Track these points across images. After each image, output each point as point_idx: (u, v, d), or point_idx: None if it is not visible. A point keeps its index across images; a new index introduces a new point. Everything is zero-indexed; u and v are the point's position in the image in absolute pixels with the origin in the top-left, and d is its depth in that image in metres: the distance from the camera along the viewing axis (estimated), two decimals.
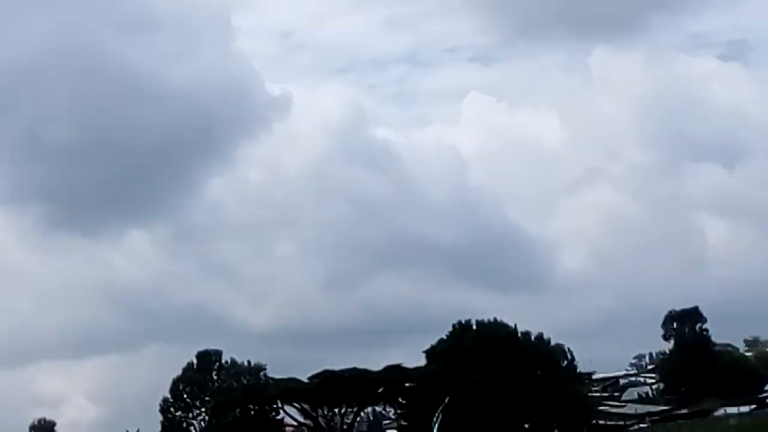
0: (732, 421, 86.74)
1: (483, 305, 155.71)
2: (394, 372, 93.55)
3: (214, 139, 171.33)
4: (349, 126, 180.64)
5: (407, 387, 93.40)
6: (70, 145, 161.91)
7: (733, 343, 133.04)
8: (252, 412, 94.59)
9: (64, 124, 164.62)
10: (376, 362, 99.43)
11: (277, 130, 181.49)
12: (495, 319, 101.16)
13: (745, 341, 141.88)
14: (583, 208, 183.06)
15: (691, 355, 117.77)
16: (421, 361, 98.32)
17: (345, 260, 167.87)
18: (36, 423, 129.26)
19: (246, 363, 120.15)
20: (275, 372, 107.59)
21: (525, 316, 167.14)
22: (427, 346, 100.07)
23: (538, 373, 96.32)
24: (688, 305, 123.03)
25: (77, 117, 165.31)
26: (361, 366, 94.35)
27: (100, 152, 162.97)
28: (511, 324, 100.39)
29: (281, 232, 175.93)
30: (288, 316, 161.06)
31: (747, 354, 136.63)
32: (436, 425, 22.95)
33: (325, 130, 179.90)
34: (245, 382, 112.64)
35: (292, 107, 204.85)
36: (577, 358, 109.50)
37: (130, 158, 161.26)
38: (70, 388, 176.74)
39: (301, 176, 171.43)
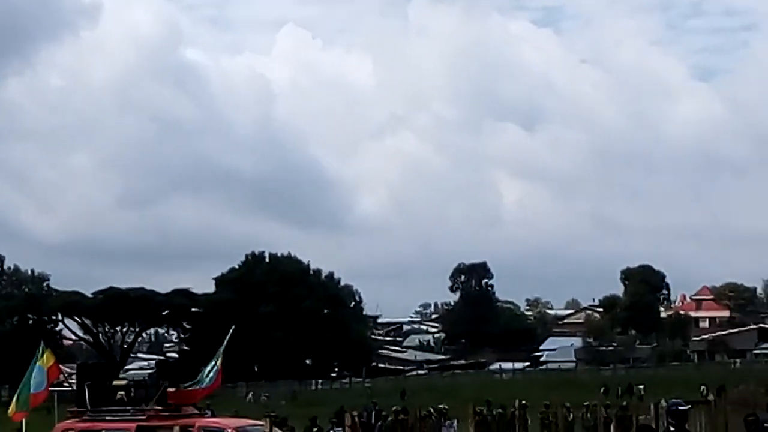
0: (505, 376, 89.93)
1: (279, 239, 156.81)
2: (182, 296, 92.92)
3: (14, 37, 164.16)
4: (161, 43, 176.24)
5: (193, 312, 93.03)
6: None
7: (515, 301, 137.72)
8: (30, 322, 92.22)
9: None
10: (164, 285, 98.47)
11: (84, 37, 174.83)
12: (289, 253, 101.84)
13: (527, 300, 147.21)
14: (386, 154, 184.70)
15: (474, 308, 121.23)
16: (211, 288, 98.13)
17: (143, 179, 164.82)
18: None
19: (29, 272, 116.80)
20: (59, 284, 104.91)
21: (319, 254, 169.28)
22: (218, 274, 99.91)
23: (325, 311, 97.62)
24: (478, 260, 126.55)
25: None
26: (148, 287, 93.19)
27: None
28: (305, 260, 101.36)
29: (78, 143, 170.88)
30: (77, 229, 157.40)
31: (527, 313, 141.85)
32: (220, 353, 22.74)
33: (135, 43, 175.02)
34: (27, 290, 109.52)
35: (102, 16, 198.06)
36: (364, 300, 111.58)
37: None
38: None
39: (105, 88, 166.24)
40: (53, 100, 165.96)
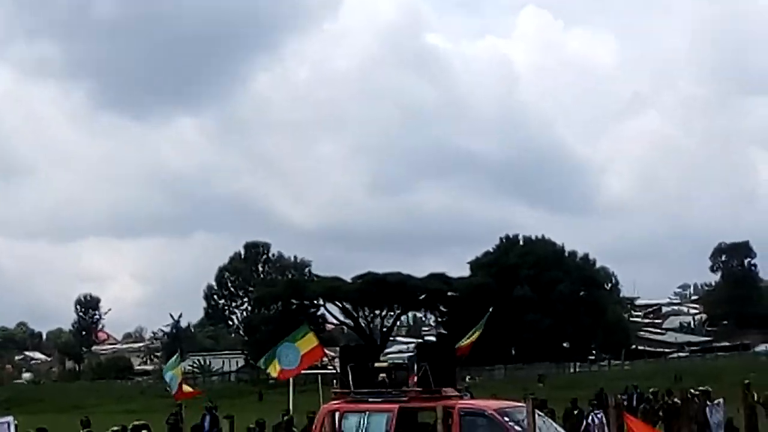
0: None
1: (526, 222, 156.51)
2: (438, 280, 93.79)
3: (262, 33, 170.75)
4: (402, 30, 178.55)
5: (449, 296, 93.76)
6: (117, 21, 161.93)
7: None
8: (293, 307, 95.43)
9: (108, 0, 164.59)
10: (417, 268, 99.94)
11: (327, 28, 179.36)
12: (543, 236, 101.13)
13: None
14: (633, 134, 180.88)
15: (736, 289, 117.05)
16: (464, 272, 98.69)
17: (390, 165, 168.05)
18: (81, 298, 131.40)
19: (292, 258, 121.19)
20: (319, 270, 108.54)
21: (569, 236, 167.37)
22: (471, 258, 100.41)
23: (581, 293, 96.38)
24: (738, 239, 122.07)
25: None
26: (404, 272, 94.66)
27: (147, 32, 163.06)
28: (559, 242, 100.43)
29: (326, 132, 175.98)
30: (331, 215, 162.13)
31: None
32: (476, 333, 23.09)
33: (376, 31, 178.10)
34: (290, 276, 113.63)
35: (343, 6, 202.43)
36: (621, 282, 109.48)
37: (178, 43, 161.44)
38: (115, 267, 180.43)
39: (349, 77, 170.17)
40: (301, 91, 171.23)
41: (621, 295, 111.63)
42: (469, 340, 24.78)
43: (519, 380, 73.07)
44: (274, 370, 26.08)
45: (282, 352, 25.19)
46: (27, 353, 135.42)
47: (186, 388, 29.11)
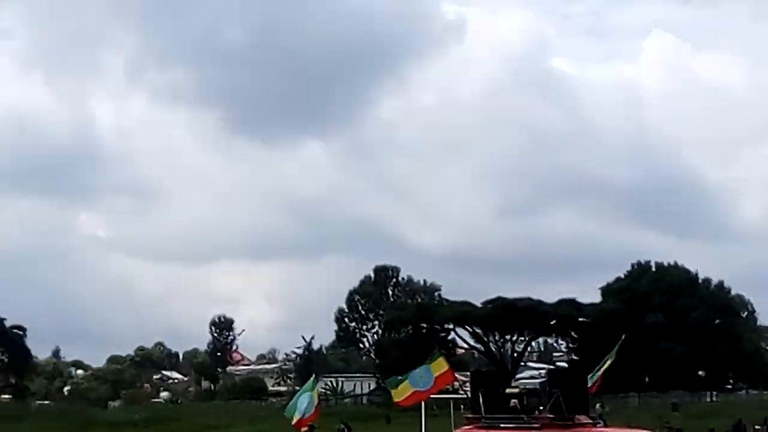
0: None
1: (656, 248, 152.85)
2: (568, 305, 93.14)
3: (388, 59, 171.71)
4: (527, 54, 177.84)
5: (580, 321, 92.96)
6: (245, 50, 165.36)
7: None
8: (424, 331, 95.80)
9: (237, 28, 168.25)
10: (546, 294, 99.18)
11: (451, 53, 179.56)
12: (675, 262, 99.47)
13: None
14: (766, 158, 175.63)
15: None
16: (594, 298, 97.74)
17: (516, 189, 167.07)
18: (216, 319, 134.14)
19: (422, 282, 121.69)
20: (447, 294, 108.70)
21: (702, 263, 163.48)
22: (601, 284, 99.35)
23: (716, 321, 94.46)
24: None
25: (250, 22, 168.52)
26: (533, 296, 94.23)
27: (275, 59, 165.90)
28: (692, 269, 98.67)
29: (452, 156, 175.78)
30: (459, 240, 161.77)
31: None
32: (608, 362, 22.89)
33: (501, 55, 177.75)
34: (419, 300, 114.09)
35: (467, 31, 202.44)
36: (757, 310, 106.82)
37: (305, 69, 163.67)
38: (248, 289, 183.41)
39: (475, 101, 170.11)
40: (426, 115, 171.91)
41: (758, 323, 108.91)
42: (600, 372, 24.63)
43: (653, 408, 72.00)
44: (398, 396, 26.28)
45: (416, 374, 25.49)
46: (164, 373, 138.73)
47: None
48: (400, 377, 26.31)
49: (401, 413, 66.87)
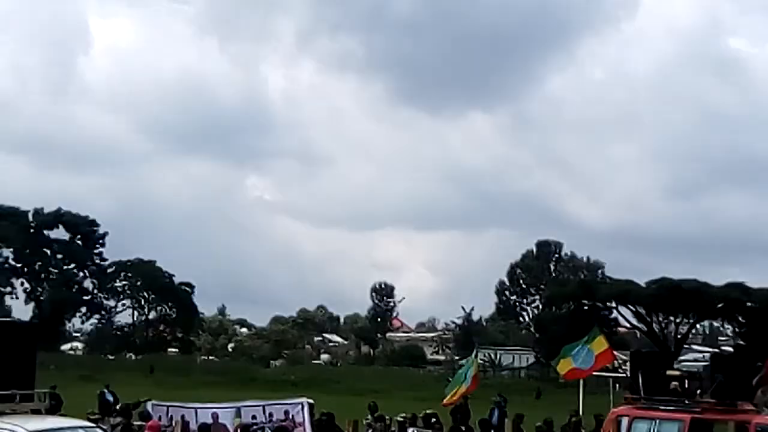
0: None
1: None
2: (736, 289, 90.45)
3: (557, 33, 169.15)
4: (701, 32, 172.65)
5: (749, 306, 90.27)
6: (414, 17, 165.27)
7: None
8: (585, 308, 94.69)
9: None
10: (712, 276, 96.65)
11: (624, 29, 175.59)
12: None
13: None
14: None
15: None
16: (765, 283, 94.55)
17: (687, 169, 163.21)
18: (377, 285, 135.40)
19: (585, 259, 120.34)
20: (612, 272, 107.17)
21: None
22: None
23: None
24: None
25: None
26: (699, 278, 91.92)
27: (442, 27, 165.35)
28: None
29: (621, 134, 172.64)
30: (625, 218, 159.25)
31: None
32: None
33: (674, 33, 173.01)
34: (582, 276, 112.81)
35: (640, 7, 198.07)
36: None
37: (473, 40, 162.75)
38: (410, 257, 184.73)
39: (646, 79, 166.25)
40: (596, 92, 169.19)
41: None
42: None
43: None
44: (563, 368, 26.29)
45: (577, 352, 25.37)
46: (325, 335, 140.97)
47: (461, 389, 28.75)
48: (560, 354, 26.29)
49: (560, 388, 66.49)
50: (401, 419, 25.31)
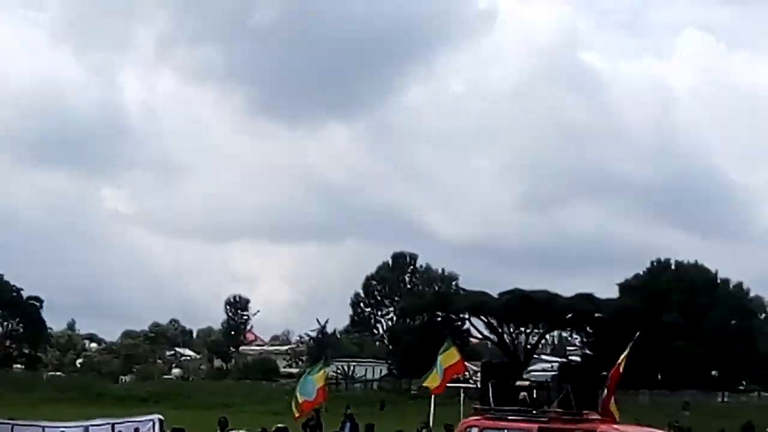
0: None
1: (678, 247, 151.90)
2: (585, 300, 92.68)
3: (415, 45, 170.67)
4: (557, 46, 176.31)
5: (596, 317, 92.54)
6: (276, 29, 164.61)
7: None
8: (438, 319, 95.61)
9: (269, 6, 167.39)
10: (563, 287, 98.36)
11: (481, 43, 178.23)
12: (696, 261, 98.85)
13: None
14: None
15: None
16: (612, 294, 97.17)
17: (540, 182, 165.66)
18: (231, 298, 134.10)
19: (440, 270, 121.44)
20: (464, 284, 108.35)
21: (722, 263, 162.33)
22: (620, 279, 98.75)
23: (732, 322, 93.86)
24: None
25: (280, 2, 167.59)
26: (550, 290, 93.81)
27: (305, 40, 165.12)
28: (712, 269, 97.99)
29: (478, 146, 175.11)
30: (480, 230, 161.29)
31: None
32: (622, 358, 22.74)
33: (530, 47, 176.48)
34: (436, 288, 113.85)
35: (497, 21, 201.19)
36: None
37: (334, 51, 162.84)
38: (265, 270, 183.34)
39: (503, 92, 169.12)
40: (454, 105, 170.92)
41: None
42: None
43: (664, 406, 71.44)
44: (432, 383, 26.68)
45: (435, 366, 25.66)
46: (177, 350, 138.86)
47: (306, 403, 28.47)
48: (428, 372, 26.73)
49: (412, 400, 66.88)
50: None
